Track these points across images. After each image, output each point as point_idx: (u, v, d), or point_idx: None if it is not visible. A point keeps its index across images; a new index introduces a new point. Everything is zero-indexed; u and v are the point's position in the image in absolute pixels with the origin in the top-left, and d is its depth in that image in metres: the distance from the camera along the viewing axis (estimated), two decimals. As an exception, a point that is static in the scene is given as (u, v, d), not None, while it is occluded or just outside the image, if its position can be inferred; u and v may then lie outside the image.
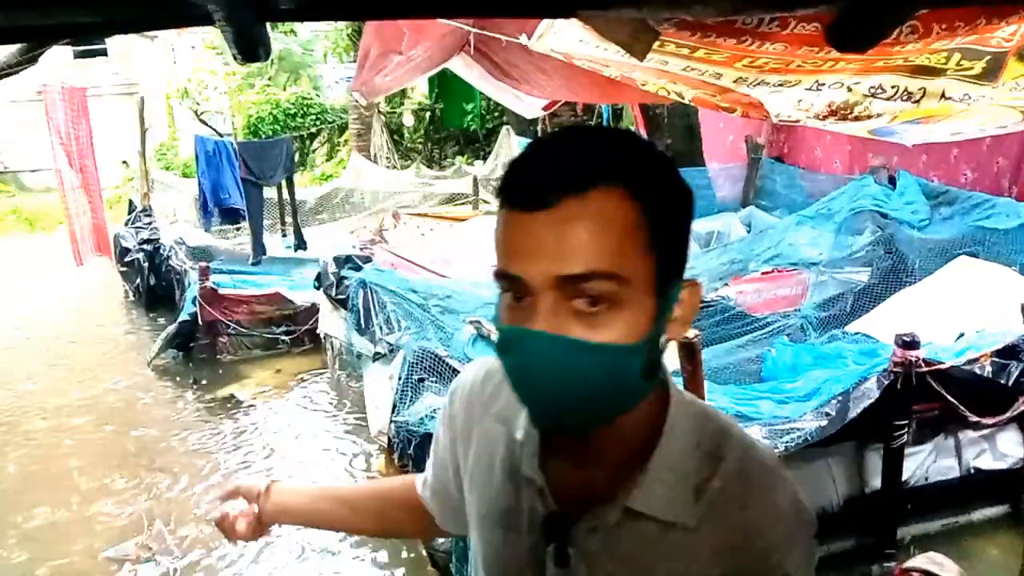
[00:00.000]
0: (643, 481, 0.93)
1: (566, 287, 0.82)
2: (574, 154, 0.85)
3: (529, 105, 7.48)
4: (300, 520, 1.33)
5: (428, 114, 16.77)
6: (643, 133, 9.98)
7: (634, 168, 0.85)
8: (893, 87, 2.09)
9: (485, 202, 11.24)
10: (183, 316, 7.73)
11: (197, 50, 21.76)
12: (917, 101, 2.09)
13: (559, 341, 0.82)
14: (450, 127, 16.48)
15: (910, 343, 3.69)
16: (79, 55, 23.01)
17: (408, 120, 16.48)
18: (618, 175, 0.83)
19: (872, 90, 2.12)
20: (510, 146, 12.42)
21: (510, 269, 0.85)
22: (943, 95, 2.07)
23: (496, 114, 15.23)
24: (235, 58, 1.55)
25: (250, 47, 1.48)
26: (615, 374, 0.85)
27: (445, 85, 14.57)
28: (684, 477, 0.93)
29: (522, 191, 0.84)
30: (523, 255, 0.84)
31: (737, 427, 1.00)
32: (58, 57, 19.55)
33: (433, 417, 4.06)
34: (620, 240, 0.82)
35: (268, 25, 1.42)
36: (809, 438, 3.57)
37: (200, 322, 7.60)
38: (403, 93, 16.06)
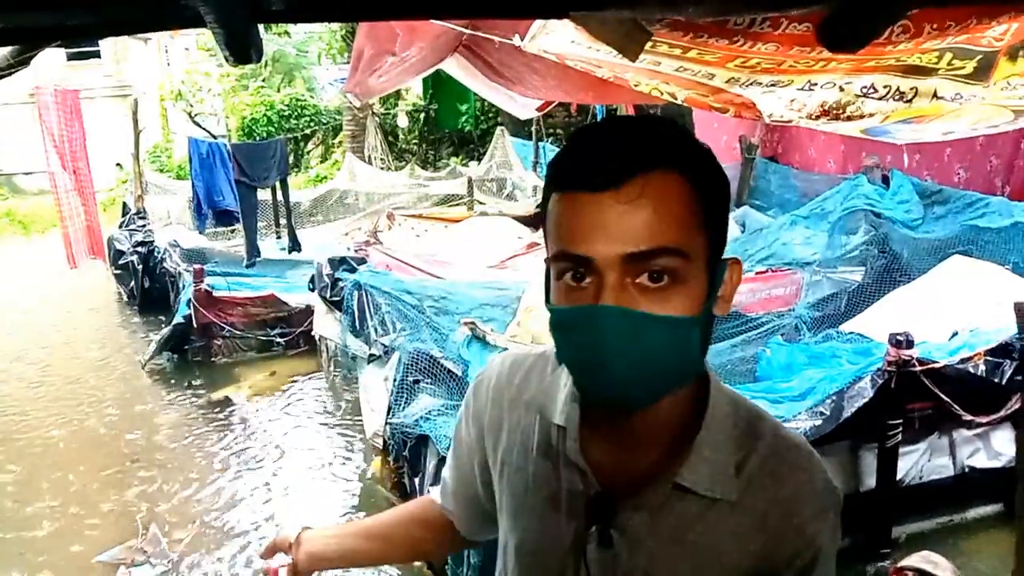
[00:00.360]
0: (689, 459, 0.97)
1: (632, 264, 0.87)
2: (634, 139, 0.90)
3: (523, 106, 7.49)
4: (334, 564, 1.32)
5: (422, 115, 16.74)
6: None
7: (687, 154, 0.91)
8: (885, 87, 2.10)
9: (480, 203, 11.23)
10: (177, 319, 7.71)
11: (191, 52, 21.75)
12: (909, 101, 2.09)
13: (631, 315, 0.87)
14: (444, 128, 16.46)
15: (904, 342, 3.70)
16: (72, 57, 22.96)
17: (402, 121, 16.46)
18: (674, 160, 0.89)
19: (864, 90, 2.12)
20: (504, 147, 12.43)
21: (577, 250, 0.88)
22: (935, 95, 2.07)
23: (490, 115, 15.23)
24: (227, 60, 1.55)
25: (242, 49, 1.47)
26: (679, 346, 0.90)
27: (439, 86, 14.55)
28: (725, 455, 0.98)
29: (588, 173, 0.88)
30: (590, 235, 0.87)
31: (765, 411, 1.05)
32: (51, 59, 19.52)
33: (428, 419, 4.06)
34: (681, 219, 0.88)
35: (261, 26, 1.42)
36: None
37: (195, 324, 7.58)
38: (397, 94, 16.03)
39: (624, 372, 0.88)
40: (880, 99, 2.10)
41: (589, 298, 0.88)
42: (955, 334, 4.30)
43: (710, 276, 0.92)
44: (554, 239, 0.91)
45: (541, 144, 11.92)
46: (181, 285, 8.30)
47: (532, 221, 8.50)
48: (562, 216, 0.90)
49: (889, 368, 3.70)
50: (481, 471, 1.19)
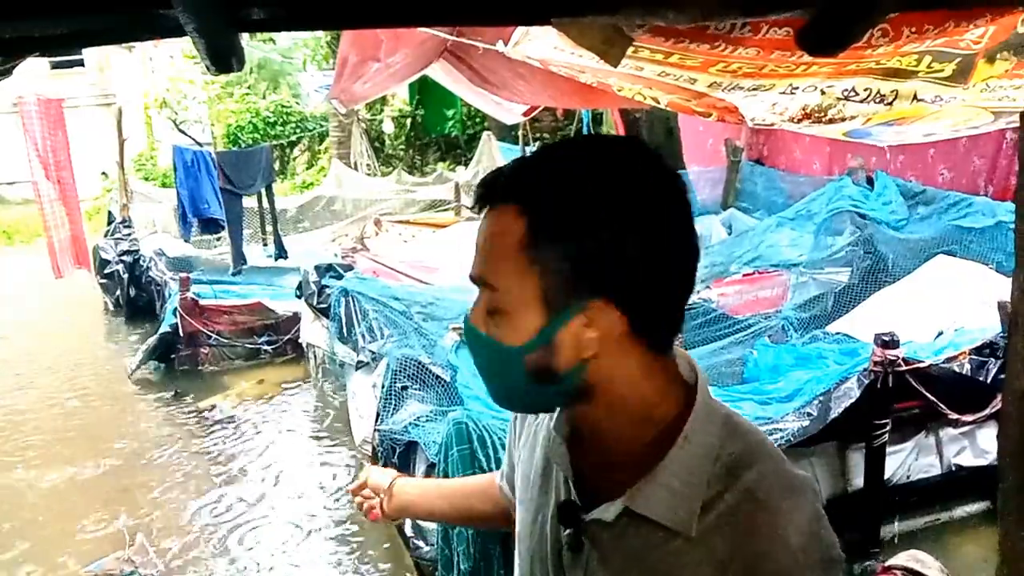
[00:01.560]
0: (648, 484, 0.94)
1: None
2: (499, 172, 0.96)
3: (508, 111, 7.50)
4: (418, 516, 1.57)
5: (409, 120, 16.74)
6: (623, 137, 10.00)
7: (536, 187, 0.90)
8: (866, 90, 2.11)
9: (467, 208, 11.23)
10: (164, 327, 7.67)
11: (175, 59, 21.65)
12: (890, 103, 2.11)
13: (469, 329, 0.98)
14: (431, 133, 16.45)
15: (890, 342, 3.72)
16: (55, 66, 22.85)
17: (388, 127, 16.45)
18: (516, 193, 0.91)
19: (845, 93, 2.14)
20: (491, 152, 12.43)
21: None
22: (915, 97, 2.09)
23: (477, 120, 15.23)
24: (208, 69, 1.55)
25: (223, 57, 1.47)
26: (504, 370, 0.96)
27: (426, 91, 14.53)
28: (694, 486, 0.92)
29: (478, 192, 0.96)
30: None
31: (770, 447, 0.98)
32: (34, 69, 19.39)
33: (417, 425, 4.05)
34: (502, 253, 0.91)
35: (244, 34, 1.42)
36: (792, 438, 3.59)
37: (181, 333, 7.55)
38: (383, 100, 16.02)
39: (484, 380, 1.01)
40: (861, 102, 2.11)
41: None
42: (940, 333, 4.33)
43: (550, 312, 0.89)
44: None
45: (528, 149, 11.93)
46: (167, 294, 8.26)
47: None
48: None
49: (875, 368, 3.72)
50: (510, 464, 1.28)
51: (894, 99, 2.09)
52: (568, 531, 1.02)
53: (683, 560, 0.92)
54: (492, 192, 0.93)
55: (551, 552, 1.06)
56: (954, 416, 3.91)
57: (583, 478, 1.03)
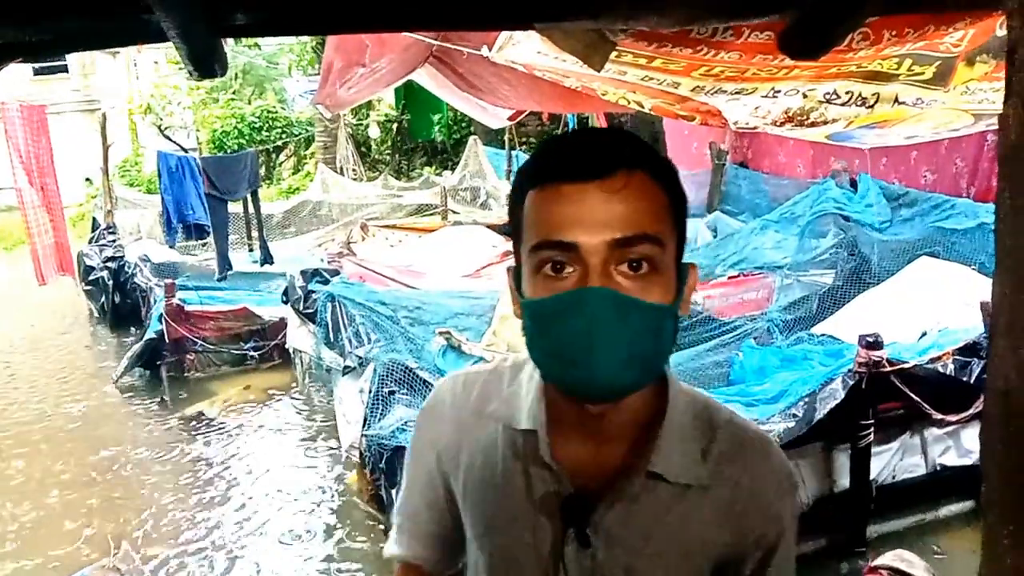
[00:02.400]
0: (660, 447, 1.00)
1: (615, 252, 0.89)
2: (617, 140, 0.94)
3: (494, 115, 7.52)
4: None
5: (395, 125, 16.72)
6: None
7: (660, 162, 0.96)
8: (847, 93, 2.13)
9: (454, 212, 11.22)
10: (149, 334, 7.62)
11: (160, 65, 21.57)
12: (871, 106, 2.13)
13: (619, 298, 0.89)
14: (417, 138, 16.44)
15: (874, 343, 3.75)
16: (39, 72, 22.72)
17: (374, 132, 16.43)
18: (651, 164, 0.94)
19: (827, 96, 2.16)
20: (478, 156, 12.44)
21: (563, 236, 0.90)
22: (896, 100, 2.11)
23: (463, 124, 15.24)
24: (191, 74, 1.55)
25: (205, 63, 1.47)
26: (659, 334, 0.94)
27: (412, 96, 14.52)
28: (691, 443, 1.02)
29: (574, 165, 0.91)
30: (576, 222, 0.89)
31: (717, 401, 1.10)
32: (16, 74, 19.27)
33: (405, 430, 4.04)
34: (658, 213, 0.92)
35: (229, 40, 1.42)
36: (777, 440, 3.59)
37: (167, 339, 7.49)
38: (369, 105, 16.00)
39: (611, 357, 0.90)
40: (843, 105, 2.13)
41: (571, 286, 0.90)
42: (924, 334, 4.36)
43: (679, 272, 0.96)
44: (535, 231, 0.93)
45: (514, 153, 11.95)
46: (152, 300, 8.20)
47: (506, 230, 8.50)
48: (544, 207, 0.92)
49: (860, 369, 3.74)
50: (447, 498, 1.16)
51: (875, 102, 2.11)
52: (572, 529, 1.01)
53: (695, 514, 1.01)
54: (621, 158, 0.92)
55: (548, 558, 1.03)
56: (938, 416, 3.93)
57: (574, 471, 1.03)
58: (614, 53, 1.83)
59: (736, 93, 2.17)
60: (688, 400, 1.05)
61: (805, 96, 2.15)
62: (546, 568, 1.04)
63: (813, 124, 2.20)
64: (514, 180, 1.00)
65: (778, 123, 2.21)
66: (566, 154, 0.94)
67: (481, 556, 1.11)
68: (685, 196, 0.98)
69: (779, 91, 2.15)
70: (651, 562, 1.02)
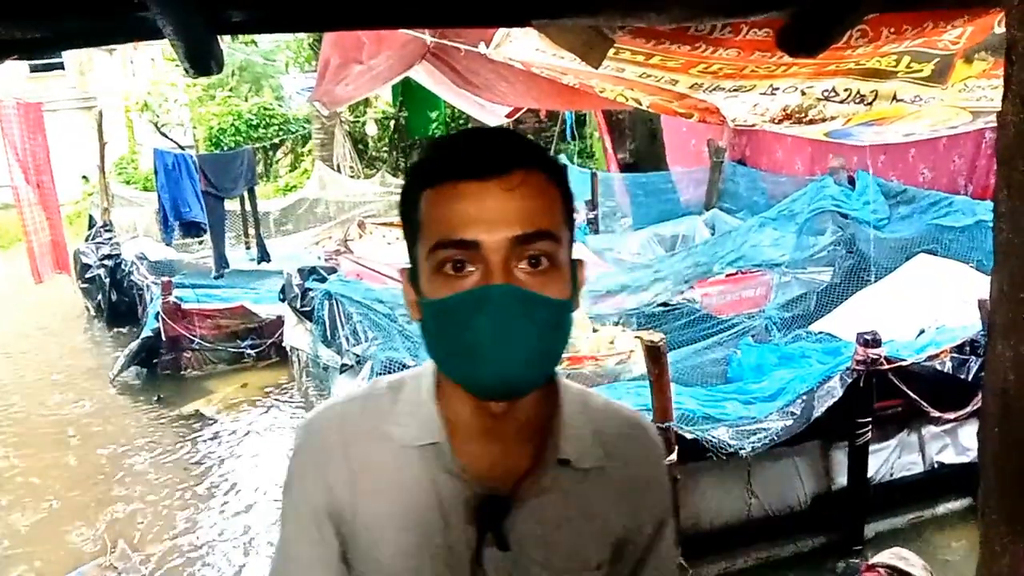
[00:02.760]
0: (563, 436, 1.03)
1: (515, 249, 0.90)
2: (511, 140, 0.95)
3: (492, 112, 7.50)
4: None
5: (392, 123, 16.69)
6: (607, 138, 10.04)
7: (553, 162, 0.98)
8: (846, 90, 2.13)
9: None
10: (146, 332, 7.61)
11: (156, 62, 21.51)
12: (870, 104, 2.12)
13: (522, 294, 0.90)
14: (415, 135, 16.39)
15: (872, 341, 3.75)
16: (35, 69, 22.66)
17: (372, 129, 16.38)
18: (545, 163, 0.95)
19: (825, 93, 2.15)
20: (475, 153, 12.41)
21: (464, 235, 0.90)
22: (895, 97, 2.11)
23: (461, 122, 15.20)
24: (187, 72, 1.54)
25: (202, 60, 1.46)
26: (560, 328, 0.95)
27: (409, 93, 14.49)
28: (583, 428, 1.05)
29: (472, 163, 0.91)
30: (476, 220, 0.90)
31: (588, 388, 1.15)
32: (12, 72, 19.24)
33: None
34: (553, 210, 0.94)
35: (226, 37, 1.41)
36: (775, 438, 3.61)
37: (163, 338, 7.49)
38: (366, 102, 15.95)
39: (516, 353, 0.91)
40: (841, 102, 2.13)
41: (473, 284, 0.90)
42: (922, 332, 4.36)
43: (572, 267, 0.97)
44: (434, 231, 0.92)
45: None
46: (149, 298, 8.19)
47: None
48: (443, 206, 0.92)
49: (858, 367, 3.74)
50: (341, 552, 1.06)
51: (874, 99, 2.11)
52: (489, 532, 1.00)
53: (599, 495, 1.05)
54: (517, 156, 0.92)
55: (466, 567, 1.01)
56: (936, 414, 3.93)
57: (480, 475, 1.02)
58: (612, 50, 1.82)
59: (734, 90, 2.16)
60: (571, 387, 1.08)
61: (803, 93, 2.15)
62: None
63: (811, 121, 2.19)
64: (406, 180, 0.99)
65: (776, 120, 2.21)
66: (462, 153, 0.94)
67: None
68: (573, 194, 1.00)
69: (777, 88, 2.15)
70: (564, 551, 1.04)
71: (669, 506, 1.16)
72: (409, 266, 1.00)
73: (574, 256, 0.99)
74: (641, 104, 2.55)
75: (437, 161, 0.95)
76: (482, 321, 0.89)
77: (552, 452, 1.02)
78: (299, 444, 1.09)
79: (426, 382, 1.05)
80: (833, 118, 2.18)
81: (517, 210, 0.90)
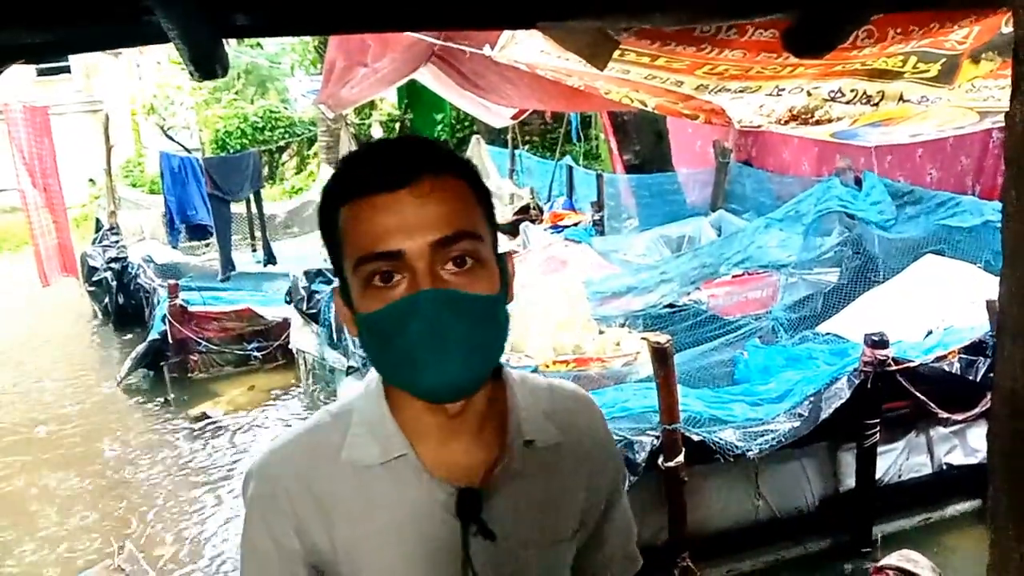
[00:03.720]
0: (522, 419, 1.07)
1: (438, 252, 0.93)
2: (416, 148, 0.99)
3: (497, 114, 7.51)
4: None
5: (398, 125, 16.71)
6: (612, 139, 10.03)
7: (462, 164, 1.01)
8: (852, 91, 2.12)
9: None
10: (153, 335, 7.63)
11: (162, 65, 21.56)
12: (876, 104, 2.11)
13: (452, 295, 0.93)
14: (420, 138, 16.42)
15: (879, 342, 3.73)
16: (41, 73, 22.74)
17: (377, 132, 16.41)
18: (455, 166, 0.99)
19: (832, 94, 2.15)
20: (480, 155, 12.43)
21: (386, 247, 0.92)
22: (901, 98, 2.10)
23: (466, 123, 15.21)
24: (192, 76, 1.54)
25: (207, 64, 1.47)
26: (495, 322, 0.98)
27: (414, 96, 14.54)
28: (535, 409, 1.10)
29: (382, 176, 0.94)
30: (395, 231, 0.92)
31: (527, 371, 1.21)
32: (19, 75, 19.31)
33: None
34: (469, 210, 0.97)
35: (232, 40, 1.41)
36: (783, 439, 3.59)
37: (170, 340, 7.50)
38: (372, 104, 15.98)
39: (457, 353, 0.93)
40: (847, 103, 2.12)
41: (403, 293, 0.93)
42: (929, 333, 4.34)
43: (499, 262, 1.01)
44: (356, 246, 0.94)
45: (517, 152, 11.93)
46: (156, 301, 8.21)
47: (509, 228, 8.51)
48: (361, 221, 0.94)
49: (865, 368, 3.73)
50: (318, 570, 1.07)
51: (880, 100, 2.10)
52: (474, 525, 1.02)
53: (562, 469, 1.11)
54: (424, 162, 0.95)
55: (456, 570, 1.02)
56: (944, 415, 3.91)
57: (449, 475, 1.04)
58: (617, 52, 1.82)
59: (740, 91, 2.16)
60: (513, 376, 1.12)
61: (809, 94, 2.14)
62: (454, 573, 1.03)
63: (818, 122, 2.19)
64: (321, 199, 1.01)
65: (782, 121, 2.20)
66: (370, 167, 0.96)
67: None
68: (489, 191, 1.04)
69: (783, 89, 2.14)
70: (542, 528, 1.08)
71: (621, 464, 1.26)
72: (339, 284, 1.02)
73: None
74: (647, 106, 2.55)
75: (348, 177, 0.97)
76: (416, 328, 0.92)
77: (515, 436, 1.06)
78: (256, 493, 1.06)
79: (376, 400, 1.06)
80: (839, 119, 2.17)
81: (433, 215, 0.93)
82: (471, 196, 0.99)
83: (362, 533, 1.03)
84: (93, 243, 10.32)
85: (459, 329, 0.93)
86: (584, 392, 1.22)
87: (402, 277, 0.93)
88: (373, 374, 1.08)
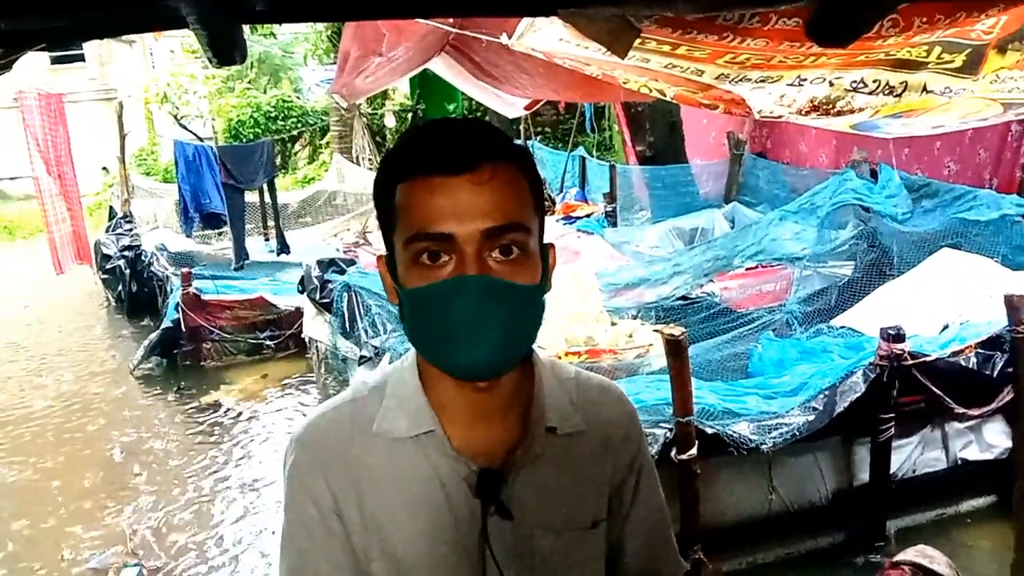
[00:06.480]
0: (546, 405, 1.10)
1: (487, 240, 0.95)
2: (479, 133, 1.00)
3: (511, 104, 7.48)
4: None
5: (410, 115, 16.69)
6: (626, 131, 9.99)
7: (520, 152, 1.03)
8: (875, 81, 2.09)
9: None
10: (166, 323, 7.67)
11: (176, 54, 21.62)
12: (899, 95, 2.08)
13: (495, 282, 0.96)
14: (432, 128, 16.40)
15: (895, 336, 3.70)
16: (56, 61, 22.85)
17: (390, 121, 16.40)
18: (513, 154, 1.00)
19: (854, 84, 2.12)
20: (493, 146, 12.41)
21: (438, 228, 0.95)
22: (924, 88, 2.07)
23: (479, 114, 15.15)
24: (210, 61, 1.53)
25: (225, 50, 1.45)
26: (532, 311, 1.01)
27: (427, 85, 14.47)
28: (561, 397, 1.13)
29: (444, 158, 0.96)
30: (450, 214, 0.95)
31: (556, 360, 1.23)
32: (34, 63, 19.38)
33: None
34: (522, 201, 1.00)
35: (245, 27, 1.40)
36: (797, 433, 3.57)
37: (183, 328, 7.54)
38: (384, 94, 15.98)
39: (492, 336, 0.97)
40: (870, 93, 2.09)
41: (448, 274, 0.96)
42: (946, 327, 4.31)
43: (542, 253, 1.03)
44: (410, 223, 0.97)
45: (530, 142, 11.91)
46: (169, 289, 8.25)
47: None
48: (417, 200, 0.97)
49: (881, 362, 3.70)
50: (353, 549, 1.09)
51: (903, 91, 2.07)
52: (492, 505, 1.05)
53: (583, 456, 1.13)
54: (484, 150, 0.97)
55: (474, 539, 1.05)
56: (960, 410, 3.88)
57: (473, 454, 1.07)
58: (638, 40, 1.80)
59: (761, 81, 2.13)
60: (543, 363, 1.15)
61: (831, 85, 2.11)
62: (472, 555, 1.06)
63: (839, 113, 2.16)
64: (379, 172, 1.04)
65: (803, 112, 2.18)
66: (432, 148, 0.98)
67: (409, 569, 1.07)
68: (541, 180, 1.07)
69: (805, 79, 2.11)
70: (561, 513, 1.11)
71: (647, 454, 1.23)
72: (386, 253, 1.05)
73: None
74: (665, 95, 2.52)
75: (409, 156, 0.99)
76: (458, 309, 0.95)
77: (538, 421, 1.09)
78: (296, 458, 1.13)
79: (410, 376, 1.09)
80: (861, 109, 2.14)
81: (487, 203, 0.95)
82: (525, 186, 1.01)
83: (389, 503, 1.07)
84: (107, 231, 10.37)
85: (498, 315, 0.96)
86: (615, 386, 1.23)
87: (449, 259, 0.96)
88: (411, 351, 1.11)
